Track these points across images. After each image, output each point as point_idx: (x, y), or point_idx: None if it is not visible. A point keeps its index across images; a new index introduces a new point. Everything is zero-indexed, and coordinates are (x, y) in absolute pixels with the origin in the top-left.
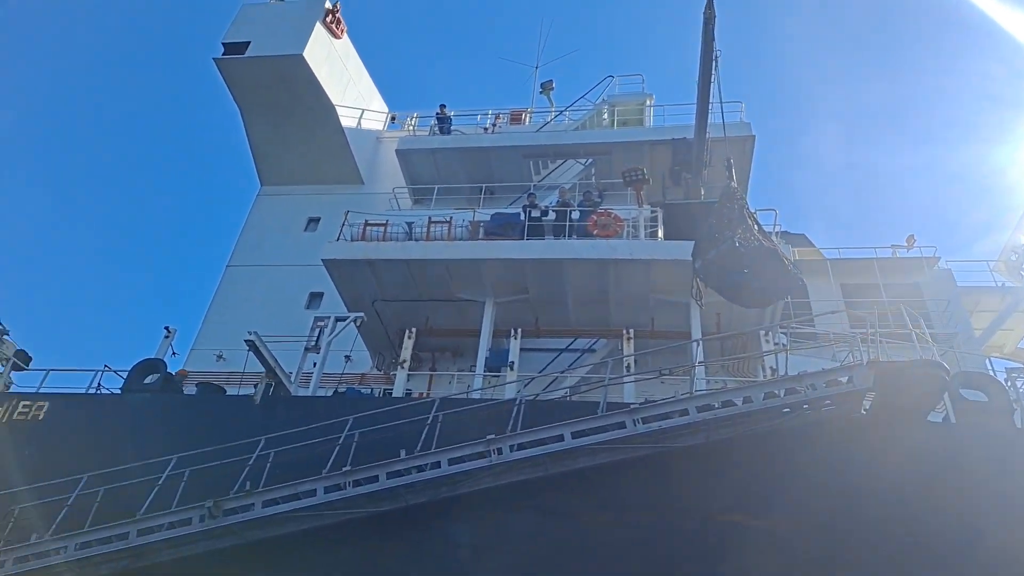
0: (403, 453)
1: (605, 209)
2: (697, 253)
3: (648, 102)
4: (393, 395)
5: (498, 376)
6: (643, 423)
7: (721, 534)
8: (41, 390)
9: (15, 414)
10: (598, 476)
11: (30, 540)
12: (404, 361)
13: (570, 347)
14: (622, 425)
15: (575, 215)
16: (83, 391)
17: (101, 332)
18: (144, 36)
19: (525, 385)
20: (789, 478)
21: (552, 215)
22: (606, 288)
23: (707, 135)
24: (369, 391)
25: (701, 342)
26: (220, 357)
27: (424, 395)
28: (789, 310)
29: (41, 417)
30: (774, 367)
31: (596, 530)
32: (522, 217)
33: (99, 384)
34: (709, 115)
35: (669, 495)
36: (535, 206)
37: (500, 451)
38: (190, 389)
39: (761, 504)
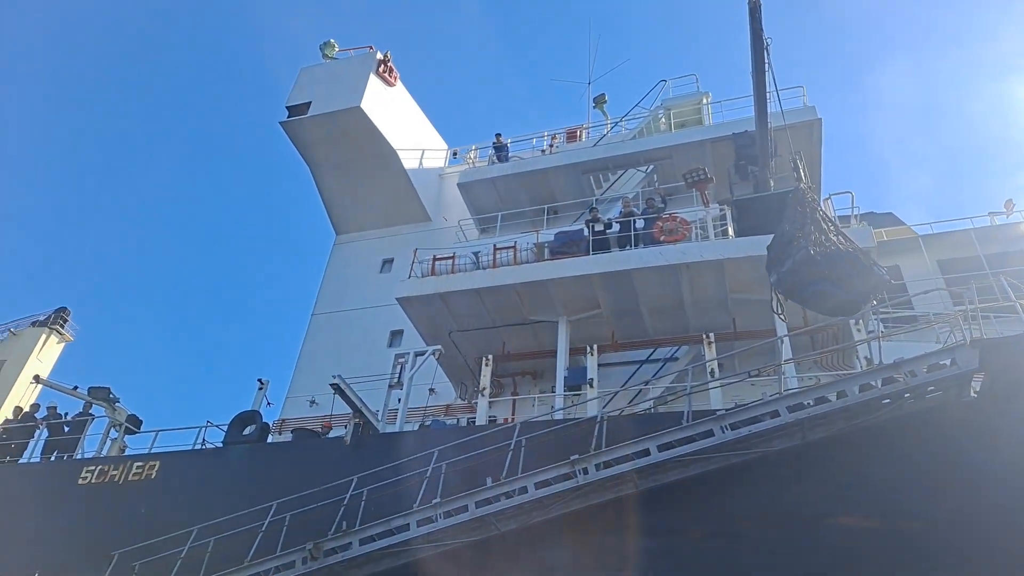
0: (489, 481)
1: (670, 214)
2: (771, 266)
3: (705, 100)
4: (476, 423)
5: (579, 394)
6: (731, 429)
7: (836, 538)
8: (152, 450)
9: (131, 475)
10: (694, 488)
11: None
12: (484, 388)
13: (650, 358)
14: (710, 433)
15: (639, 224)
16: (189, 447)
17: (204, 388)
18: (216, 107)
19: (607, 402)
20: (901, 474)
21: (616, 226)
22: (680, 294)
23: (769, 125)
24: (454, 422)
25: (788, 338)
26: (313, 402)
27: (508, 420)
28: (883, 294)
29: (154, 476)
30: (869, 356)
31: (698, 544)
32: (585, 232)
33: (203, 439)
34: (768, 104)
35: (773, 502)
36: (598, 220)
37: (586, 471)
38: (286, 436)
39: (874, 504)
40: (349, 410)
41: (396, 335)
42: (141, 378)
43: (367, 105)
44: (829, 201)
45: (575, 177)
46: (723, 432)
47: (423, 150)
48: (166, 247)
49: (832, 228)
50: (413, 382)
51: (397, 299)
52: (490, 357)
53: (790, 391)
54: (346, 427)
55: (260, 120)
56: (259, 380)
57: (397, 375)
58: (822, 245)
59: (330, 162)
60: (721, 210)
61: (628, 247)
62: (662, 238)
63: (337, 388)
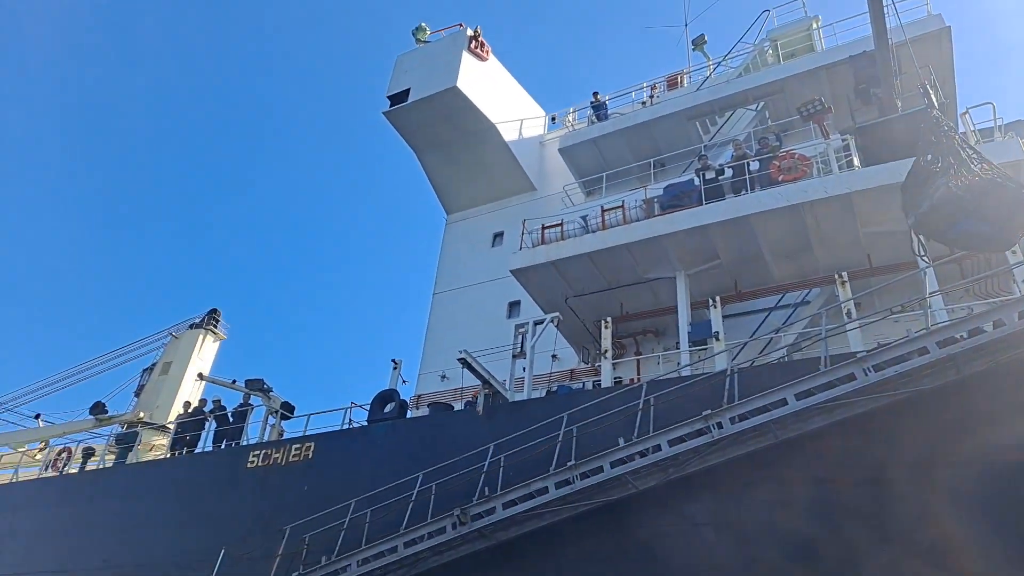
0: (621, 441)
1: (787, 151)
2: (908, 208)
3: (814, 25)
4: (602, 386)
5: (705, 349)
6: (875, 371)
7: (1004, 481)
8: (307, 432)
9: (291, 457)
10: (839, 435)
11: (321, 563)
12: (606, 351)
13: (779, 305)
14: (851, 377)
15: (754, 166)
16: (338, 427)
17: (343, 372)
18: (325, 104)
19: (736, 354)
20: None
21: (729, 172)
22: (806, 235)
23: (890, 41)
24: (580, 386)
25: (932, 269)
26: (443, 377)
27: (634, 381)
28: None
29: (311, 456)
30: None
31: (847, 493)
32: (696, 182)
33: (350, 419)
34: (888, 18)
35: (927, 445)
36: (708, 167)
37: (720, 425)
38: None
39: None
40: (479, 382)
41: (514, 306)
42: (287, 367)
43: (462, 83)
44: (967, 116)
45: (680, 126)
46: (866, 375)
47: (521, 120)
48: (293, 245)
49: (974, 155)
50: (535, 350)
51: (511, 271)
52: (609, 319)
53: (939, 325)
54: (476, 398)
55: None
56: (393, 360)
57: (519, 345)
58: (963, 178)
59: (433, 144)
60: (843, 140)
61: (744, 192)
62: (780, 178)
63: (464, 363)
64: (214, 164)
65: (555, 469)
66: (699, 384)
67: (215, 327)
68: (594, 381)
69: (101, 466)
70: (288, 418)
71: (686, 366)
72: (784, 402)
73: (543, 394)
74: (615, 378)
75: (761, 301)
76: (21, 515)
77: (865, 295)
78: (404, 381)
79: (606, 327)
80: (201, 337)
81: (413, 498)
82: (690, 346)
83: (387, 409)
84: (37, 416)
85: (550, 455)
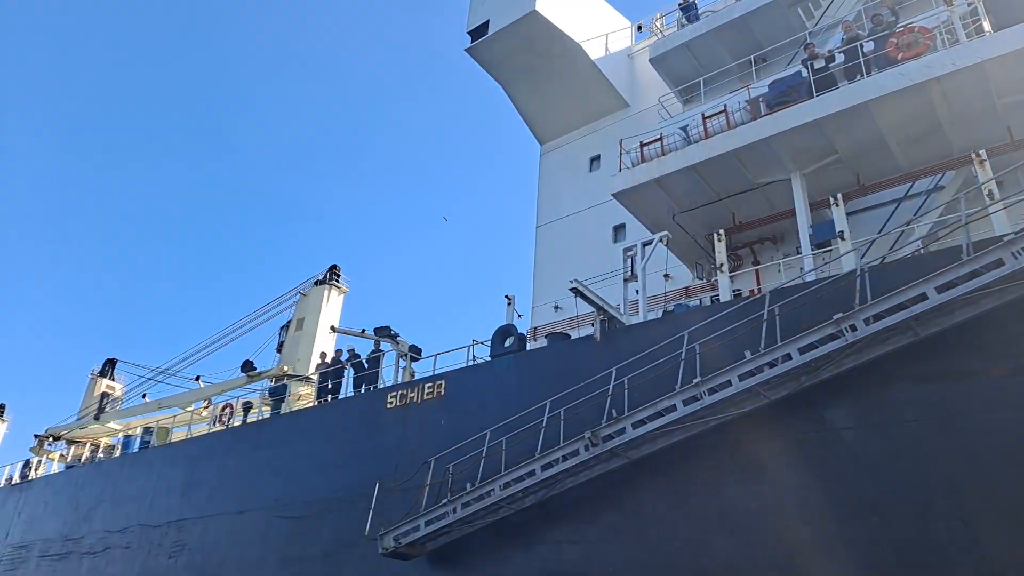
0: (748, 354)
1: (904, 26)
2: None
3: None
4: (720, 301)
5: (829, 250)
6: None
7: None
8: (436, 372)
9: (424, 395)
10: (990, 323)
11: (466, 488)
12: (721, 265)
13: (909, 194)
14: (999, 263)
15: (868, 47)
16: (463, 364)
17: (461, 310)
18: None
19: (863, 252)
20: None
21: (840, 57)
22: (934, 114)
23: None
24: (697, 303)
25: None
26: (557, 308)
27: (754, 293)
28: None
29: (443, 393)
30: None
31: (1003, 383)
32: (804, 74)
33: (473, 356)
34: None
35: None
36: (816, 56)
37: (853, 327)
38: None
39: None
40: (593, 309)
41: (619, 229)
42: (407, 314)
43: (541, 6)
44: None
45: (780, 14)
46: (1016, 258)
47: (606, 35)
48: (398, 200)
49: None
50: (646, 272)
51: (612, 195)
52: (721, 232)
53: None
54: (592, 325)
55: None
56: (506, 296)
57: (629, 268)
58: None
59: (519, 74)
60: (970, 4)
61: (859, 77)
62: (900, 56)
63: (577, 292)
64: (332, 135)
65: (681, 387)
66: (826, 288)
67: (337, 282)
68: (712, 297)
69: (259, 418)
70: (416, 360)
71: (810, 271)
72: (923, 297)
73: (659, 315)
74: (734, 291)
75: (888, 193)
76: (200, 465)
77: (1008, 172)
78: (519, 315)
79: (719, 240)
80: (326, 292)
81: (544, 424)
82: (813, 249)
83: (507, 343)
84: (197, 378)
85: (673, 375)
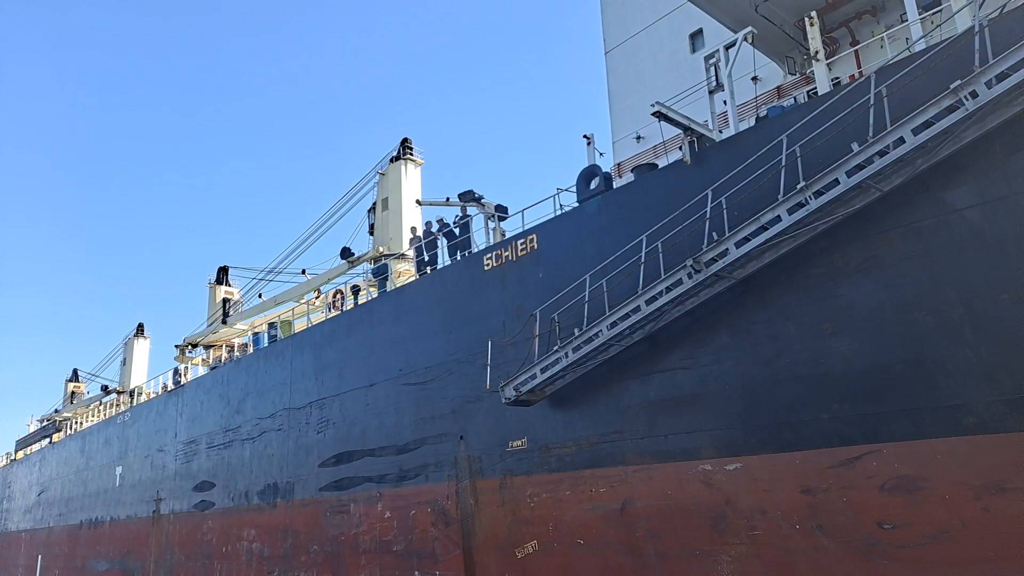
0: (855, 146)
1: None
2: None
3: None
4: (819, 94)
5: (939, 10)
6: None
7: None
8: (526, 227)
9: (519, 252)
10: None
11: (574, 333)
12: (816, 52)
13: None
14: None
15: None
16: (552, 215)
17: (530, 160)
18: None
19: (981, 3)
20: None
21: None
22: None
23: None
24: (792, 102)
25: None
26: (639, 138)
27: (853, 78)
28: None
29: (536, 246)
30: None
31: None
32: None
33: (560, 205)
34: None
35: None
36: None
37: (974, 94)
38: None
39: None
40: (677, 131)
41: (696, 36)
42: (489, 174)
43: None
44: None
45: None
46: None
47: None
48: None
49: None
50: (732, 78)
51: None
52: (813, 14)
53: None
54: (680, 148)
55: None
56: (585, 137)
57: (713, 77)
58: None
59: None
60: None
61: None
62: None
63: (660, 115)
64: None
65: (785, 195)
66: (939, 56)
67: (411, 155)
68: (808, 92)
69: (368, 299)
70: (504, 219)
71: (919, 39)
72: None
73: (752, 123)
74: (832, 80)
75: None
76: (326, 350)
77: None
78: (601, 154)
79: (811, 24)
80: (403, 167)
81: (643, 260)
82: (920, 13)
83: (593, 185)
84: (303, 271)
85: (773, 185)
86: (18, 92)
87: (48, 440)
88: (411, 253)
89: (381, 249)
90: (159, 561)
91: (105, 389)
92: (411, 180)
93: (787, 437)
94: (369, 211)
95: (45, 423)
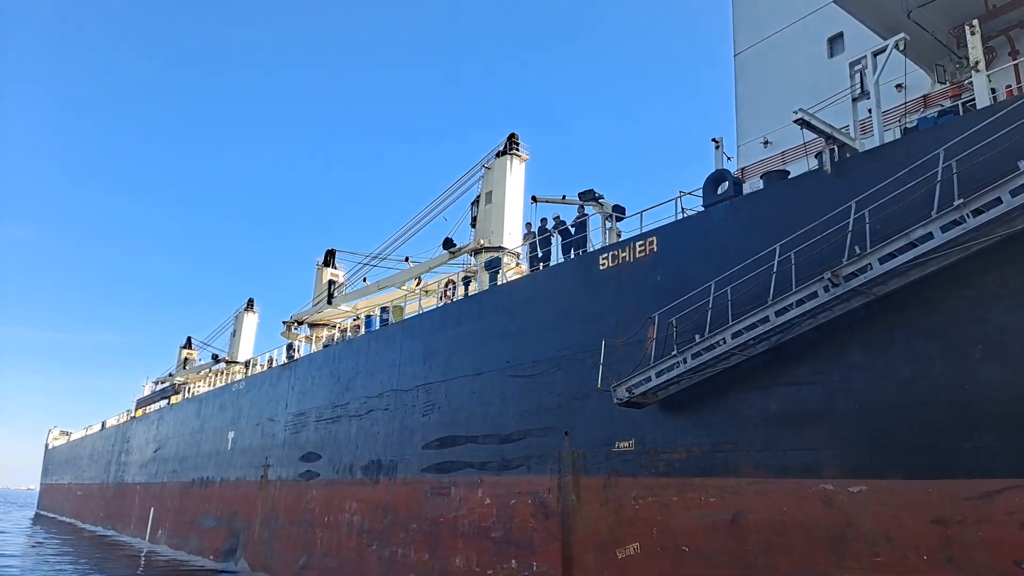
0: (1022, 165)
1: None
2: None
3: None
4: (977, 107)
5: None
6: None
7: None
8: (645, 229)
9: (636, 253)
10: None
11: (695, 340)
12: (976, 63)
13: None
14: None
15: None
16: (671, 218)
17: (656, 165)
18: None
19: None
20: None
21: None
22: None
23: None
24: (937, 112)
25: None
26: (766, 143)
27: (1012, 92)
28: None
29: (656, 249)
30: None
31: None
32: None
33: (682, 208)
34: None
35: None
36: None
37: None
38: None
39: None
40: (808, 139)
41: (835, 41)
42: (606, 175)
43: None
44: None
45: None
46: None
47: None
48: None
49: None
50: (879, 85)
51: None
52: (975, 22)
53: None
54: (819, 157)
55: None
56: (713, 140)
57: (858, 84)
58: None
59: None
60: None
61: None
62: None
63: (802, 122)
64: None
65: (939, 212)
66: None
67: (517, 150)
68: (962, 103)
69: (479, 290)
70: (621, 219)
71: None
72: None
73: (897, 134)
74: (991, 93)
75: None
76: (436, 336)
77: None
78: (728, 158)
79: (973, 33)
80: (508, 162)
81: (775, 270)
82: None
83: (721, 190)
84: (406, 259)
85: (924, 201)
86: (147, 85)
87: (166, 401)
88: (520, 249)
89: (482, 242)
90: (264, 523)
91: (215, 358)
92: (515, 175)
93: (921, 463)
94: (472, 204)
95: (163, 385)
